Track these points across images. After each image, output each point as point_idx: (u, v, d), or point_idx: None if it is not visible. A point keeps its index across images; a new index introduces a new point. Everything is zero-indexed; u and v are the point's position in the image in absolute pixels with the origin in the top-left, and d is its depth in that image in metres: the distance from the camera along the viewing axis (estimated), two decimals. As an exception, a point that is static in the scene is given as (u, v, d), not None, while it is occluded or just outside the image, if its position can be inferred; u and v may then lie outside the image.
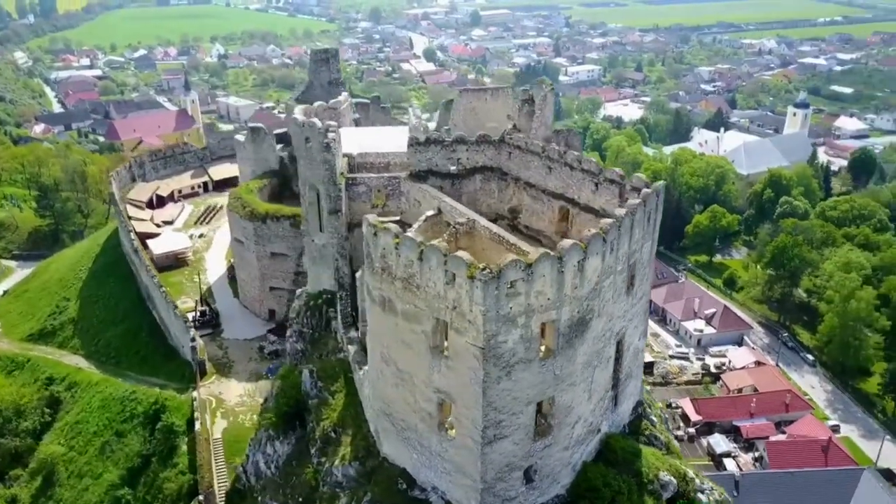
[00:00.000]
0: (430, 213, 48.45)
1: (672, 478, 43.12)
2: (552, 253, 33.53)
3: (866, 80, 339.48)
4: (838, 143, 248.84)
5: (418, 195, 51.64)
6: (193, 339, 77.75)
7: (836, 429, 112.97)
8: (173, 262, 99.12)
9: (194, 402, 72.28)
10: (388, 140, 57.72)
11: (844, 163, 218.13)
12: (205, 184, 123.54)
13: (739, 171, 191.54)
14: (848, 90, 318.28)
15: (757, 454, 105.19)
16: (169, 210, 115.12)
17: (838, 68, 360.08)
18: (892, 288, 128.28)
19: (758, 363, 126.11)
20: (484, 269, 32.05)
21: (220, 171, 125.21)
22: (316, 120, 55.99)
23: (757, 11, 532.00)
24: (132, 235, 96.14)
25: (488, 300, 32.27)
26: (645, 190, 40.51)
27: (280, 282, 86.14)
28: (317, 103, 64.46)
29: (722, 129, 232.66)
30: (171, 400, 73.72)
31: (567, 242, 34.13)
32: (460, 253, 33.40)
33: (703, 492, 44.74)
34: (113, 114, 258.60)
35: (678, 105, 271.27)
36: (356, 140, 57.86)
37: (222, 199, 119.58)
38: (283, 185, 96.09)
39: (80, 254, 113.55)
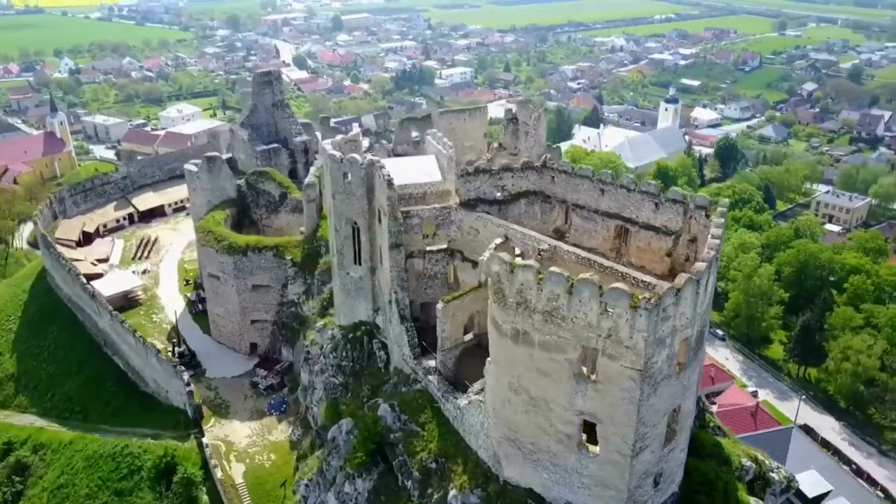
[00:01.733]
0: (498, 240, 50.57)
1: (752, 462, 48.38)
2: (692, 276, 37.08)
3: (707, 72, 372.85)
4: (698, 132, 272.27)
5: (475, 224, 53.51)
6: (189, 384, 74.49)
7: (755, 394, 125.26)
8: (124, 303, 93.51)
9: (206, 449, 69.59)
10: (418, 170, 58.83)
11: (707, 151, 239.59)
12: (130, 215, 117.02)
13: (628, 165, 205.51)
14: (695, 83, 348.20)
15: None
16: (100, 247, 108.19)
17: (682, 63, 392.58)
18: (782, 263, 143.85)
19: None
20: (648, 299, 35.01)
21: (144, 200, 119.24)
22: (356, 156, 56.23)
23: (601, 10, 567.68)
24: (82, 278, 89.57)
25: (650, 326, 35.30)
26: (721, 209, 45.14)
27: (262, 314, 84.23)
28: (338, 136, 64.07)
29: (601, 126, 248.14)
30: (178, 450, 70.25)
31: (700, 265, 37.84)
32: (619, 284, 36.11)
33: (773, 471, 50.42)
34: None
35: (554, 104, 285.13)
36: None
37: (152, 231, 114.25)
38: (241, 213, 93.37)
39: (2, 302, 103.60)
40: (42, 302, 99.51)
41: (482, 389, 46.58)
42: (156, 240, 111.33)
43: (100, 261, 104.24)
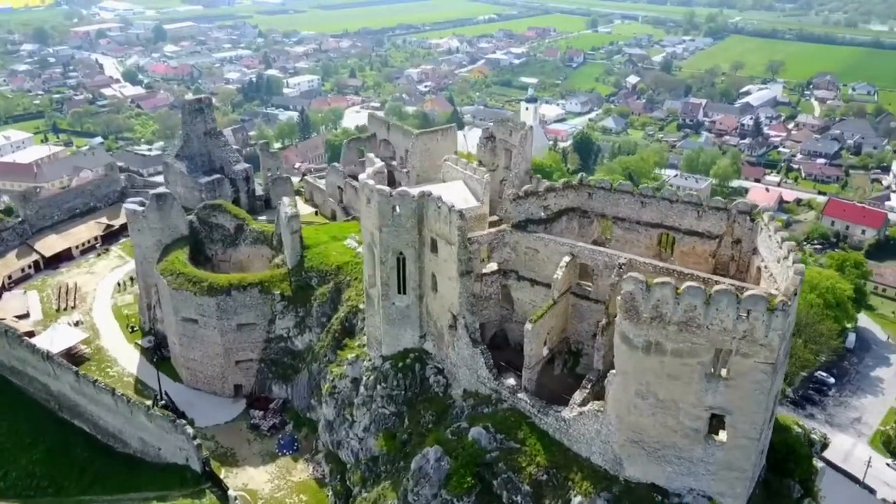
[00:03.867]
0: (567, 258, 54.03)
1: (799, 428, 55.78)
2: (800, 276, 42.89)
3: (541, 70, 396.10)
4: (550, 128, 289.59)
5: (534, 244, 56.36)
6: (195, 438, 70.45)
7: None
8: (70, 360, 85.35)
9: (235, 502, 66.58)
10: (455, 196, 60.36)
11: (562, 145, 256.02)
12: (35, 262, 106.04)
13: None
14: (533, 80, 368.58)
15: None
16: (13, 302, 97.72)
17: (517, 61, 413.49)
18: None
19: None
20: (783, 301, 40.24)
21: (48, 245, 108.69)
22: (409, 189, 56.87)
23: (427, 12, 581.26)
24: (27, 339, 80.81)
25: (784, 324, 40.57)
26: (767, 213, 51.69)
27: (248, 353, 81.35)
28: (369, 169, 63.54)
29: (465, 128, 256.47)
30: (204, 509, 66.60)
31: (801, 267, 43.73)
32: (755, 291, 40.99)
33: (812, 432, 58.31)
34: None
35: (412, 108, 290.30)
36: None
37: (65, 278, 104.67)
38: (194, 250, 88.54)
39: None
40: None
41: (587, 399, 49.92)
42: (76, 286, 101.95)
43: (19, 317, 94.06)
